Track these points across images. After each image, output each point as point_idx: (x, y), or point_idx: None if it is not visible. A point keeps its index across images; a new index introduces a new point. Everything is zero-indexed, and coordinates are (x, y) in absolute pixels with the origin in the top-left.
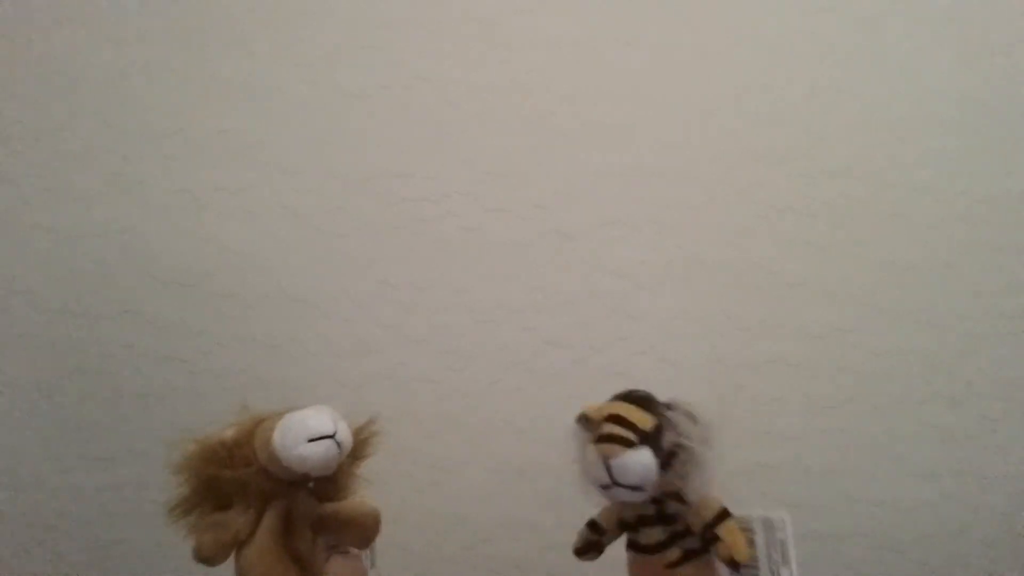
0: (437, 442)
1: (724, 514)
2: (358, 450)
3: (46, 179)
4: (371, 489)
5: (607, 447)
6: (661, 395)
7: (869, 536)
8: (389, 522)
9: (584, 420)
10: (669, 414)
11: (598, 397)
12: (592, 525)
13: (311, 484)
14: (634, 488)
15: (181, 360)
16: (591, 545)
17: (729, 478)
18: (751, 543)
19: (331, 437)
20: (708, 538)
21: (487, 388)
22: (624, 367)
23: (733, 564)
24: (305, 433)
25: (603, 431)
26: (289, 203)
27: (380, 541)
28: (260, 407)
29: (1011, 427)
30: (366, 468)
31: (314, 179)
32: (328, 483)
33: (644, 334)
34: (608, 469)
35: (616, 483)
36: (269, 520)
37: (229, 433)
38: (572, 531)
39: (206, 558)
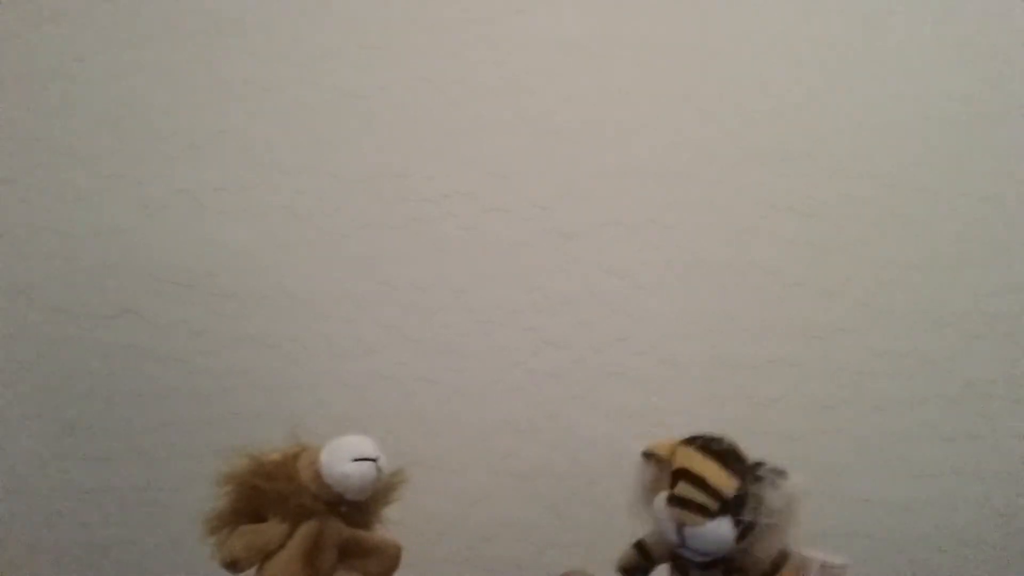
0: (437, 442)
1: (781, 561)
2: (387, 494)
3: (46, 179)
4: None
5: (684, 514)
6: (663, 397)
7: (869, 536)
8: (388, 522)
9: (654, 459)
10: (754, 485)
11: (598, 397)
12: (641, 548)
13: (343, 509)
14: (706, 554)
15: (181, 360)
16: (637, 568)
17: None
18: None
19: (374, 461)
20: None
21: (487, 388)
22: (624, 367)
23: None
24: (351, 453)
25: (680, 492)
26: (289, 203)
27: None
28: (260, 407)
29: (1011, 427)
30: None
31: (314, 179)
32: (358, 512)
33: (644, 334)
34: (682, 535)
35: (687, 547)
36: (300, 536)
37: (276, 454)
38: (572, 531)
39: (235, 560)
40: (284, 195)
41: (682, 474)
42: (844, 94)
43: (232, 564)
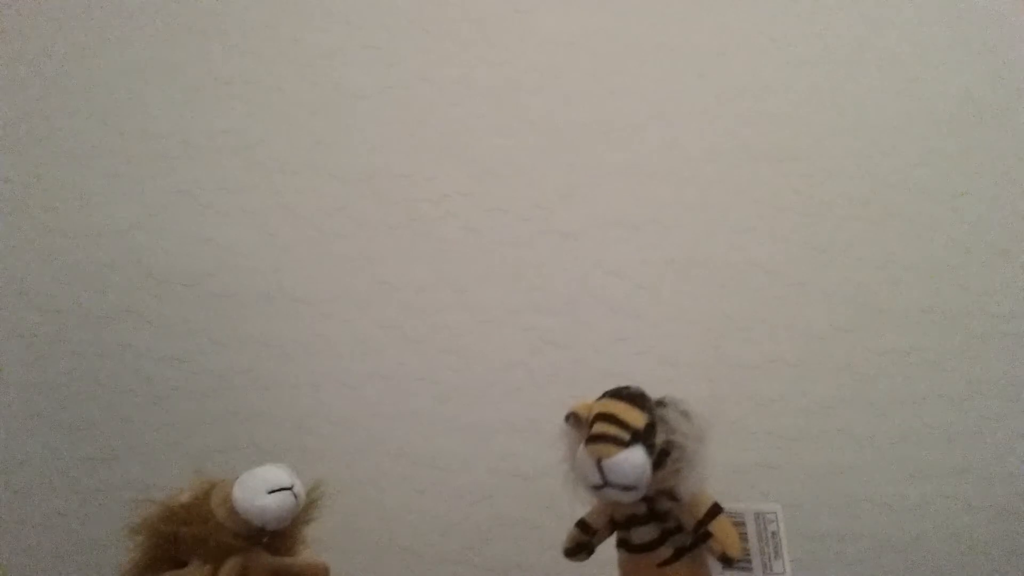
0: (437, 442)
1: (716, 510)
2: (306, 513)
3: (46, 179)
4: (370, 491)
5: (599, 447)
6: (658, 394)
7: (869, 536)
8: (389, 522)
9: (574, 418)
10: (661, 411)
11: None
12: (582, 525)
13: (265, 540)
14: (627, 488)
15: (181, 360)
16: (582, 546)
17: (729, 478)
18: (743, 537)
19: (289, 489)
20: (700, 535)
21: (487, 388)
22: (624, 367)
23: (726, 559)
24: (264, 485)
25: (594, 430)
26: (289, 203)
27: (381, 541)
28: (260, 407)
29: (1011, 427)
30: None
31: (314, 179)
32: (281, 539)
33: (644, 334)
34: (600, 469)
35: (609, 483)
36: (225, 574)
37: (186, 496)
38: None
39: None
40: (284, 195)
41: (597, 418)
42: (844, 94)
43: None
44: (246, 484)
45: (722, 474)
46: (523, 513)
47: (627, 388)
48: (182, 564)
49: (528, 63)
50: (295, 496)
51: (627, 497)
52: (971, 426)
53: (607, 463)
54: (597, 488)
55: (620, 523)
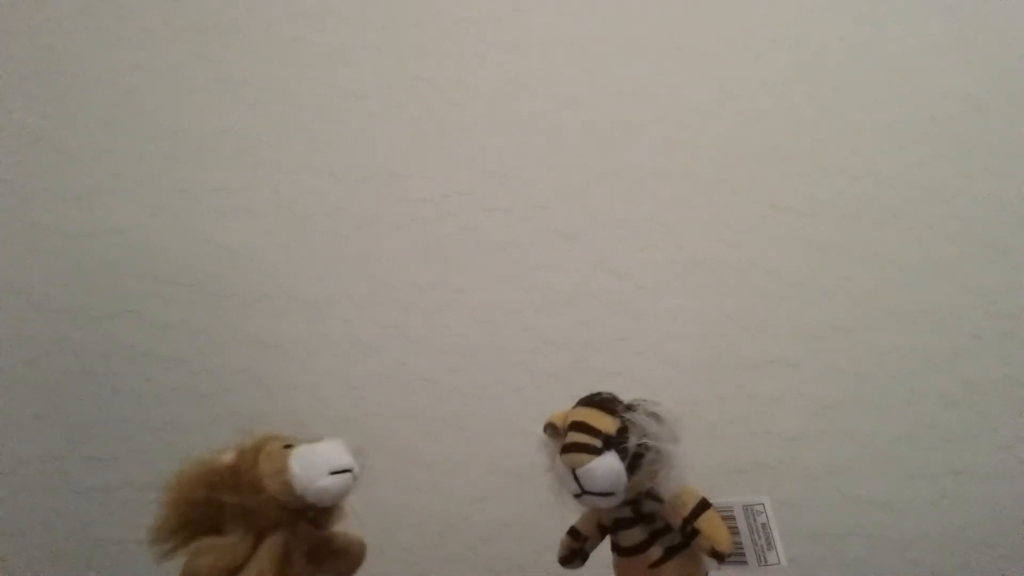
0: (437, 442)
1: (703, 506)
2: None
3: (46, 179)
4: (372, 489)
5: (572, 456)
6: (663, 397)
7: (869, 536)
8: (389, 522)
9: (551, 429)
10: (631, 415)
11: None
12: (573, 532)
13: (311, 514)
14: (604, 494)
15: (181, 360)
16: (575, 553)
17: (729, 478)
18: (734, 531)
19: (350, 471)
20: (689, 532)
21: (487, 388)
22: (624, 367)
23: (716, 555)
24: (327, 466)
25: (567, 440)
26: (289, 203)
27: (381, 541)
28: (260, 407)
29: (1011, 427)
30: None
31: (314, 179)
32: (325, 514)
33: (644, 334)
34: (576, 478)
35: (586, 491)
36: (269, 550)
37: (229, 457)
38: None
39: None
40: (284, 195)
41: (570, 427)
42: (844, 94)
43: None
44: (307, 462)
45: (722, 474)
46: (523, 513)
47: (599, 394)
48: (216, 527)
49: (528, 63)
50: (354, 477)
51: (606, 503)
52: (970, 426)
53: (581, 472)
54: (577, 496)
55: (608, 527)
